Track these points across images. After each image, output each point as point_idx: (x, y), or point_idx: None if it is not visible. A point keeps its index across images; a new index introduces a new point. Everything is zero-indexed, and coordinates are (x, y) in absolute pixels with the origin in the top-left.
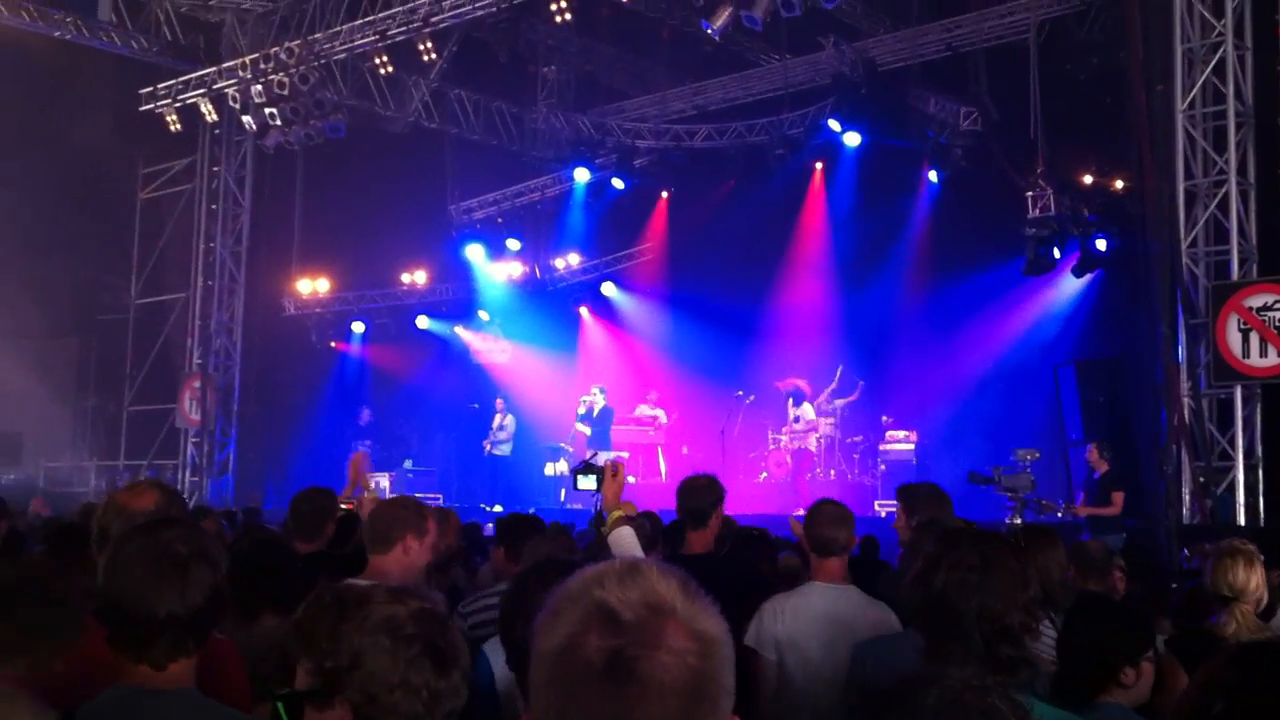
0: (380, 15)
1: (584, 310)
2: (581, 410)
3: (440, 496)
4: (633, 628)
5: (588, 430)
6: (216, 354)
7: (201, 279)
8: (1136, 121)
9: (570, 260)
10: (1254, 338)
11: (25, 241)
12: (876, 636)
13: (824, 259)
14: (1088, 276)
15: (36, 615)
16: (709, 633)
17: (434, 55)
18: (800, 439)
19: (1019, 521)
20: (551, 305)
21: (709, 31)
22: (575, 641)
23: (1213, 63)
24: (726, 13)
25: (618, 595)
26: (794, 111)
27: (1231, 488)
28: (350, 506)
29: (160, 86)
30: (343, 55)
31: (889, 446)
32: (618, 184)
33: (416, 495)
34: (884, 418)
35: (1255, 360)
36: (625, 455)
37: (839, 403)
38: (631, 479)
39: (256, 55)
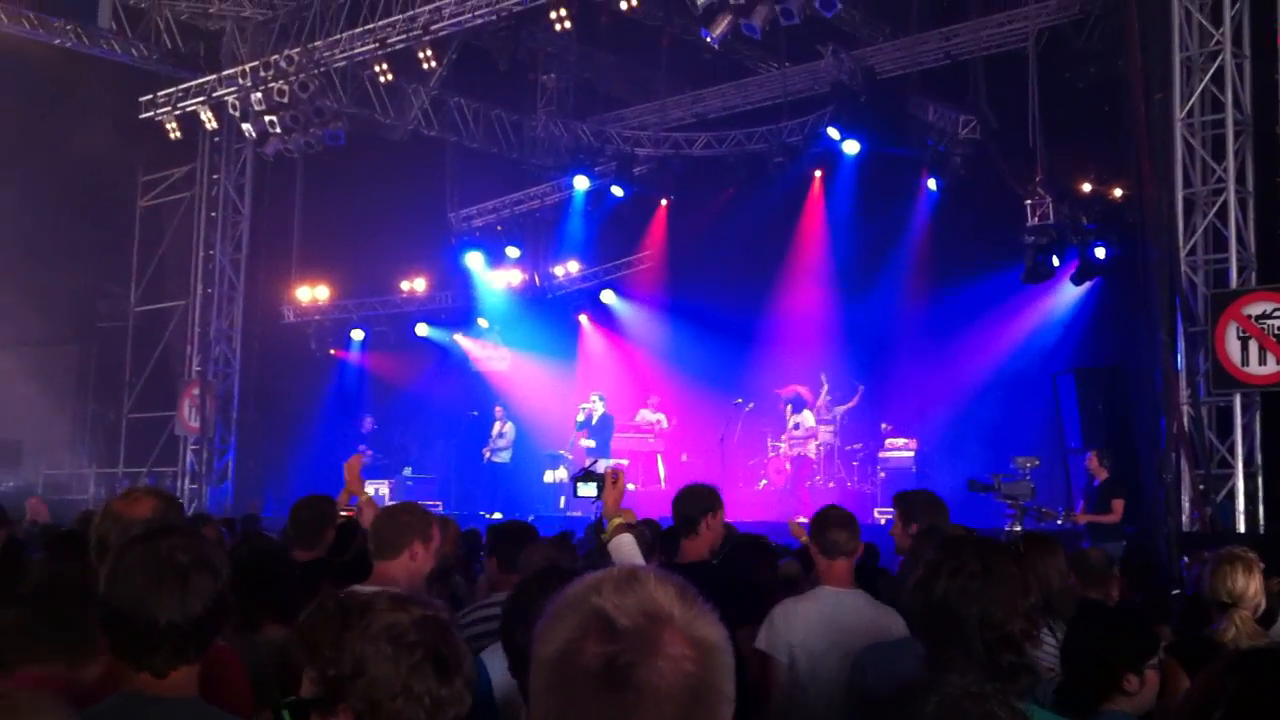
0: (380, 23)
1: (583, 318)
2: (580, 418)
3: (440, 504)
4: (630, 634)
5: (592, 444)
6: (216, 361)
7: (201, 286)
8: (1135, 129)
9: (570, 268)
10: (1253, 345)
11: (25, 249)
12: (877, 643)
13: (823, 267)
14: (1087, 284)
15: (74, 618)
16: (707, 639)
17: (434, 63)
18: (800, 446)
19: (1019, 529)
20: (551, 313)
21: (708, 40)
22: (573, 648)
23: (1211, 71)
24: (726, 21)
25: (615, 602)
26: (793, 119)
27: (1231, 495)
28: (350, 514)
29: (160, 94)
30: (343, 63)
31: (888, 454)
32: (617, 192)
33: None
34: (883, 425)
35: (1254, 368)
36: (625, 463)
37: (839, 409)
38: (631, 486)
39: (256, 63)
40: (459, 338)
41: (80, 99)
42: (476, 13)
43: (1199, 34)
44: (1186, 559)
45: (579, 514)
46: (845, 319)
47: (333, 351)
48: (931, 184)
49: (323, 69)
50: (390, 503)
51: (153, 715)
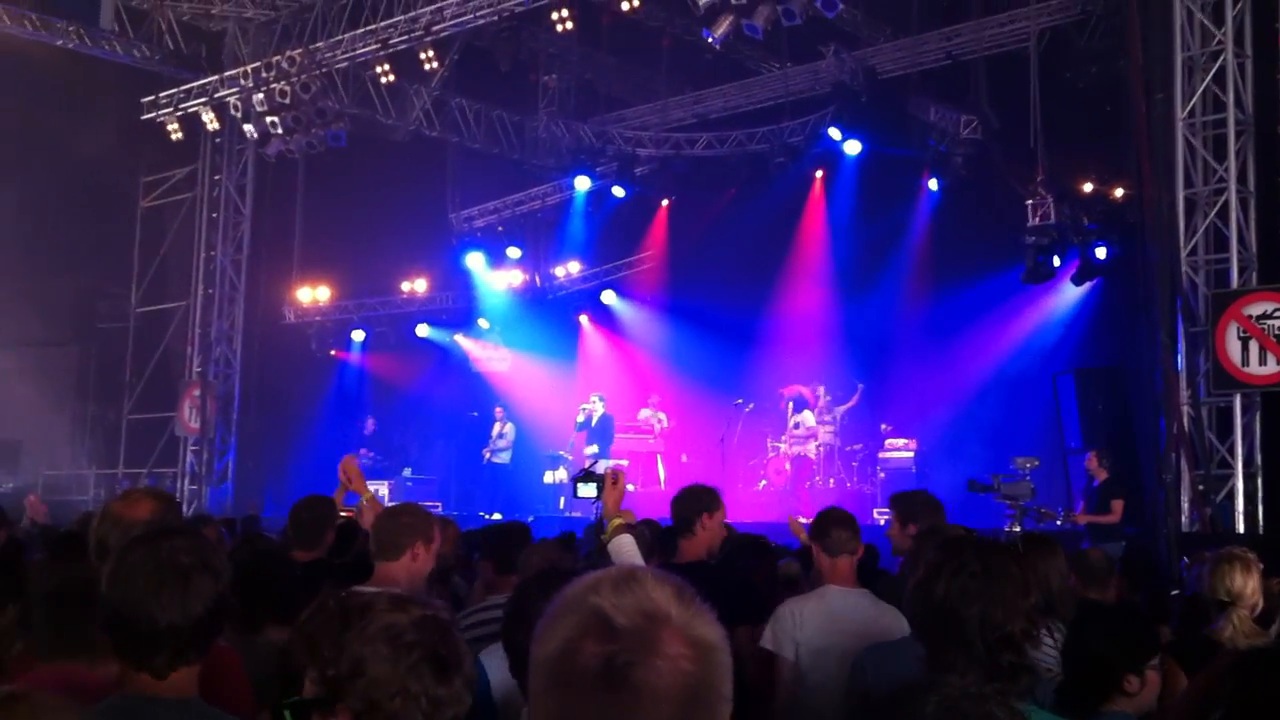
0: (382, 24)
1: (584, 318)
2: (580, 419)
3: (440, 504)
4: (628, 634)
5: (595, 449)
6: (216, 362)
7: (202, 287)
8: (1136, 130)
9: (570, 268)
10: (1254, 346)
11: (26, 249)
12: (877, 643)
13: (824, 267)
14: (1087, 285)
15: (94, 617)
16: (705, 639)
17: (435, 64)
18: (800, 446)
19: (1018, 529)
20: (551, 313)
21: (710, 40)
22: (571, 648)
23: (1213, 71)
24: (727, 21)
25: (613, 602)
26: (794, 120)
27: (1231, 495)
28: (350, 514)
29: (162, 95)
30: (344, 64)
31: (888, 454)
32: (618, 192)
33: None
34: (883, 425)
35: (1255, 368)
36: (625, 463)
37: (839, 409)
38: (631, 487)
39: (258, 64)
40: (460, 338)
41: (82, 100)
42: (478, 13)
43: (1200, 34)
44: (1186, 559)
45: (579, 515)
46: (845, 319)
47: (333, 352)
48: (932, 184)
49: (324, 69)
50: (390, 503)
51: (153, 716)
